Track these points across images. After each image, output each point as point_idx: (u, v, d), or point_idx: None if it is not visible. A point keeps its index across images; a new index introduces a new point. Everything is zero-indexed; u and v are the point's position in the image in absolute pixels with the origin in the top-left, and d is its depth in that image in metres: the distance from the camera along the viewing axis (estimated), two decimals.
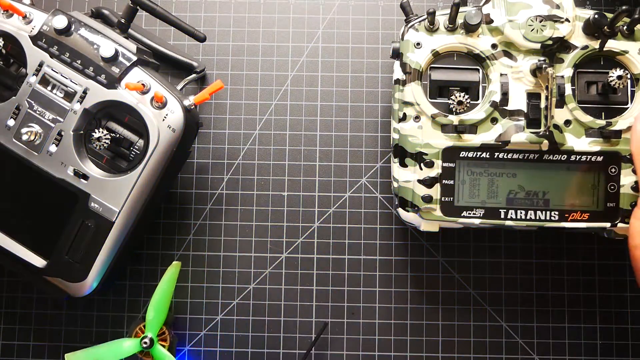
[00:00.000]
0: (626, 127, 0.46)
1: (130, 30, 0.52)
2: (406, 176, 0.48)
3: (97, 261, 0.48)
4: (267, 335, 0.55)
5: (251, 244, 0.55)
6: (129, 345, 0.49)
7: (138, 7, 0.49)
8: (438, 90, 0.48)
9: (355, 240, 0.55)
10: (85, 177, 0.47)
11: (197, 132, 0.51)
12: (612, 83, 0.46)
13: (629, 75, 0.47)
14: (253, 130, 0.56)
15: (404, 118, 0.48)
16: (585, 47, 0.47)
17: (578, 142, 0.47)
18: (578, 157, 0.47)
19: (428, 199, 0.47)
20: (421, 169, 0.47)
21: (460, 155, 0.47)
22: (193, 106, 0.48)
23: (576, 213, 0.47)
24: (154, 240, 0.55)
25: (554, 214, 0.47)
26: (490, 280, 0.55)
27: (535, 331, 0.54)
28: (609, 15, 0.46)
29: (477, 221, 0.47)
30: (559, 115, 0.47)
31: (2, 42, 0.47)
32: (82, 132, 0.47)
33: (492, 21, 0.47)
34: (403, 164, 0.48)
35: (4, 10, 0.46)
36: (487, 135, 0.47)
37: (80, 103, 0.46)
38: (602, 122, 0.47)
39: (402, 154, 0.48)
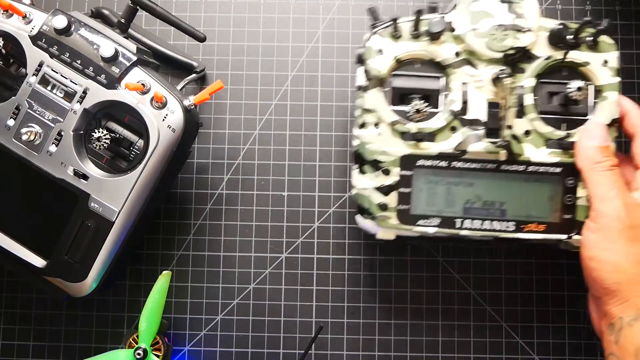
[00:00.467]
0: None
1: (130, 30, 0.52)
2: (364, 183, 0.47)
3: (97, 261, 0.48)
4: (267, 335, 0.54)
5: (251, 244, 0.55)
6: (123, 356, 0.48)
7: (138, 7, 0.49)
8: (400, 97, 0.47)
9: (355, 240, 0.55)
10: (85, 177, 0.47)
11: (197, 132, 0.51)
12: (571, 95, 0.46)
13: (589, 87, 0.47)
14: (253, 130, 0.56)
15: (364, 125, 0.47)
16: (548, 57, 0.47)
17: (537, 153, 0.47)
18: (536, 167, 0.47)
19: (384, 207, 0.47)
20: (377, 176, 0.47)
21: (418, 163, 0.47)
22: (193, 106, 0.48)
23: (532, 224, 0.47)
24: (153, 240, 0.55)
25: (510, 224, 0.47)
26: (490, 280, 0.55)
27: (535, 331, 0.54)
28: (574, 26, 0.46)
29: (432, 230, 0.47)
30: (519, 126, 0.47)
31: (2, 42, 0.47)
32: (82, 132, 0.47)
33: (455, 29, 0.47)
34: (362, 171, 0.48)
35: (4, 10, 0.46)
36: (446, 144, 0.47)
37: (80, 103, 0.46)
38: (561, 133, 0.47)
39: (361, 160, 0.48)
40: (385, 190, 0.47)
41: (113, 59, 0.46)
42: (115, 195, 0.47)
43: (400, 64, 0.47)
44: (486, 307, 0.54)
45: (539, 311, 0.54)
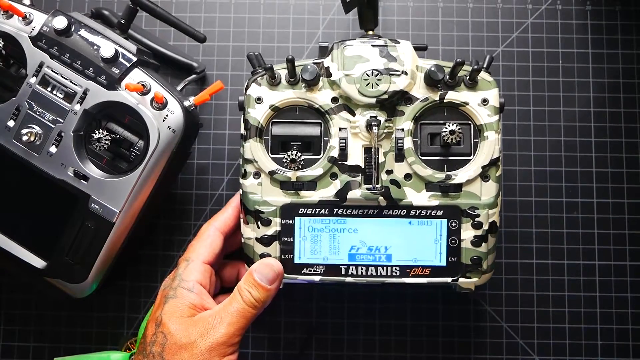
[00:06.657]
0: (466, 180, 0.46)
1: (130, 31, 0.52)
2: (248, 233, 0.47)
3: (97, 262, 0.48)
4: (267, 335, 0.54)
5: None
6: (117, 357, 0.48)
7: (138, 8, 0.49)
8: (280, 144, 0.47)
9: None
10: (85, 178, 0.47)
11: (197, 132, 0.51)
12: (446, 138, 0.45)
13: (461, 130, 0.45)
14: None
15: (245, 175, 0.47)
16: (426, 99, 0.46)
17: (418, 197, 0.46)
18: (418, 211, 0.46)
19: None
20: (258, 227, 0.46)
21: (300, 212, 0.46)
22: (193, 107, 0.48)
23: (417, 268, 0.47)
24: (154, 241, 0.55)
25: (395, 269, 0.47)
26: (490, 281, 0.54)
27: (535, 331, 0.54)
28: (450, 65, 0.45)
29: (317, 278, 0.47)
30: (399, 170, 0.46)
31: (2, 43, 0.46)
32: (82, 133, 0.47)
33: (331, 74, 0.46)
34: (246, 220, 0.47)
35: (4, 10, 0.46)
36: (327, 191, 0.46)
37: (81, 104, 0.46)
38: (441, 175, 0.46)
39: (245, 210, 0.47)
40: (266, 240, 0.46)
41: (113, 60, 0.46)
42: (116, 196, 0.47)
43: (280, 110, 0.47)
44: (486, 307, 0.54)
45: (539, 311, 0.54)
